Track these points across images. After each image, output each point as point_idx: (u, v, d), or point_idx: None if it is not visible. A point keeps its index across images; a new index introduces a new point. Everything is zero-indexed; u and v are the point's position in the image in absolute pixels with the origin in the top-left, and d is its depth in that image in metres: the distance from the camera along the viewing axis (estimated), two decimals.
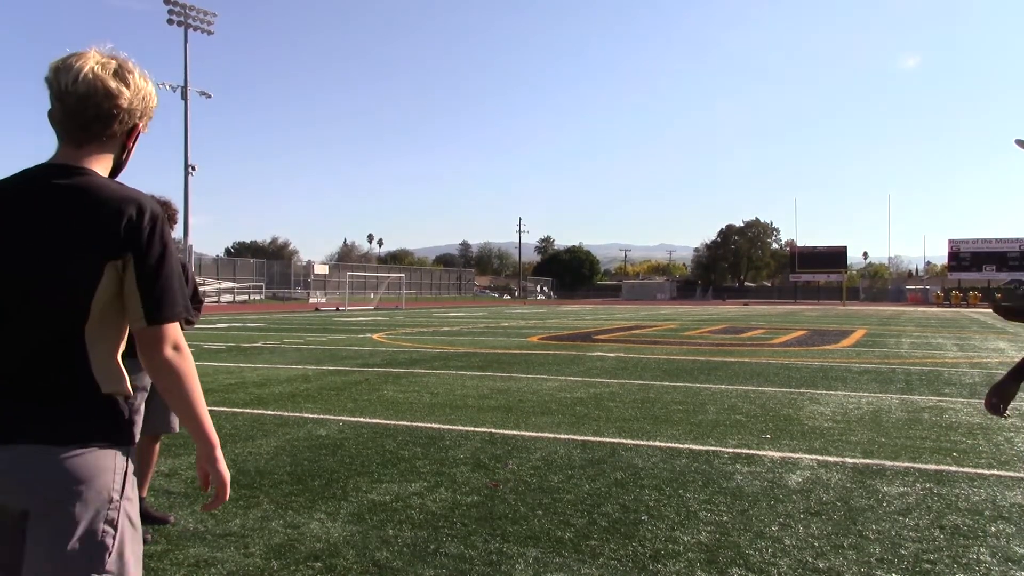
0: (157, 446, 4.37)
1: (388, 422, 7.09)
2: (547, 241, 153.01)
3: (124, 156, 1.86)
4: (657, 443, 6.23)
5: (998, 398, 2.91)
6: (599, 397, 8.79)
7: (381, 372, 11.36)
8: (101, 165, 1.79)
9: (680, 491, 4.81)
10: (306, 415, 7.26)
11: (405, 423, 7.06)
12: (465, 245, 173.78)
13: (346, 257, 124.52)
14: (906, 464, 5.58)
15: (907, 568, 3.57)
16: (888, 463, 5.60)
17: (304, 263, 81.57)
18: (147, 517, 4.15)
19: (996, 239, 71.16)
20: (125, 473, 1.72)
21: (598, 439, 6.41)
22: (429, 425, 6.98)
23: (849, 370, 11.95)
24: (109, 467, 1.69)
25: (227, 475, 1.84)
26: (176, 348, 1.74)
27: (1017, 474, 5.35)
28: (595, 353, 14.76)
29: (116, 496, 1.69)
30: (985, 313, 41.97)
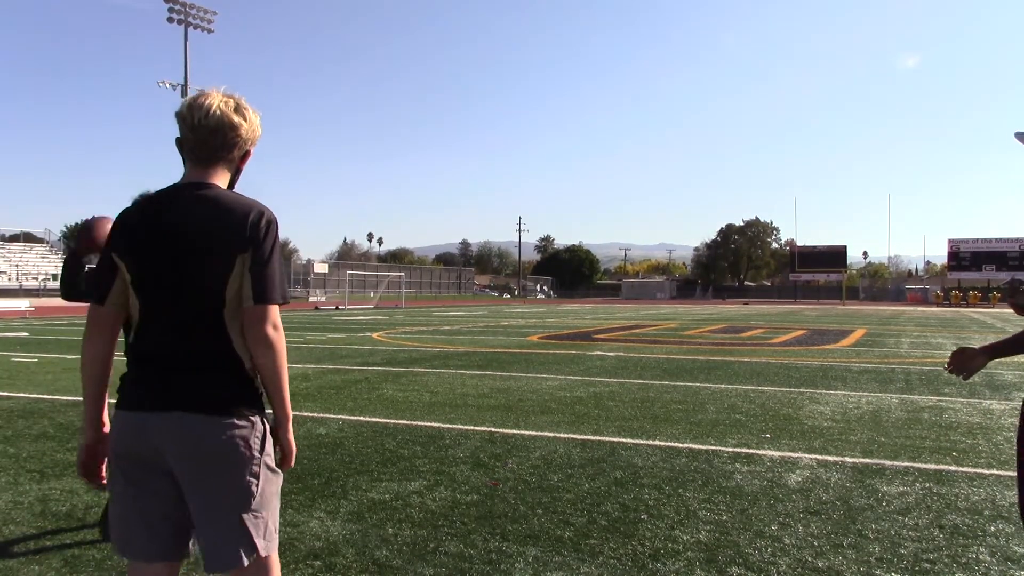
0: None
1: (388, 421, 7.09)
2: (547, 240, 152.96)
3: (236, 176, 2.27)
4: (657, 442, 6.23)
5: (965, 364, 2.99)
6: (599, 396, 8.79)
7: (381, 371, 11.36)
8: (222, 182, 2.20)
9: (680, 490, 4.81)
10: (306, 414, 7.25)
11: (405, 422, 7.06)
12: (465, 244, 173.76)
13: (346, 256, 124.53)
14: (906, 464, 5.58)
15: (906, 567, 3.57)
16: (888, 463, 5.60)
17: (304, 262, 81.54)
18: None
19: (996, 239, 71.14)
20: (264, 433, 2.12)
21: (598, 438, 6.41)
22: (429, 424, 6.98)
23: (849, 370, 11.96)
24: (251, 431, 2.08)
25: (295, 445, 2.24)
26: (275, 327, 2.10)
27: (1016, 474, 5.34)
28: (595, 352, 14.76)
29: (257, 453, 2.09)
30: (985, 313, 41.98)
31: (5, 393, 8.84)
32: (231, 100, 2.16)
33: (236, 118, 2.15)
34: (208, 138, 2.13)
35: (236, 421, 2.06)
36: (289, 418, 2.19)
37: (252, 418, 2.09)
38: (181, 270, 2.06)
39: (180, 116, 2.14)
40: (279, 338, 2.10)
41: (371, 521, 4.16)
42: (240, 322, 2.10)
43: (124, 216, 2.17)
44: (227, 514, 2.06)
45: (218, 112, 2.12)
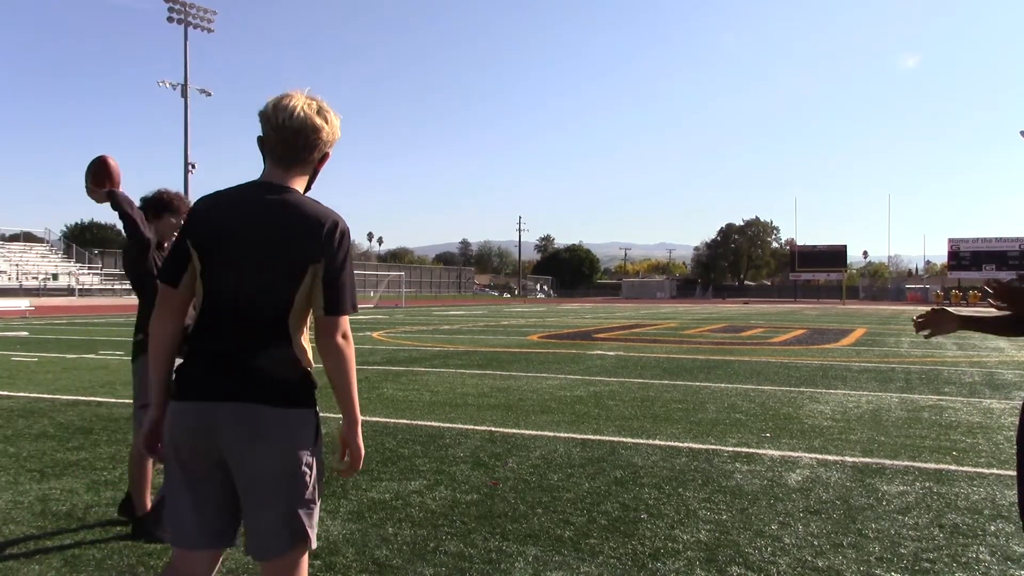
0: None
1: (388, 420, 7.09)
2: (547, 240, 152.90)
3: (314, 177, 2.31)
4: (657, 442, 6.23)
5: (940, 324, 2.90)
6: (599, 396, 8.79)
7: (381, 370, 11.35)
8: (300, 182, 2.25)
9: (680, 490, 4.81)
10: None
11: (405, 421, 7.05)
12: (465, 243, 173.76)
13: None
14: (906, 463, 5.58)
15: (906, 567, 3.57)
16: (888, 462, 5.60)
17: None
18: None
19: (996, 238, 71.12)
20: (316, 427, 2.20)
21: (598, 438, 6.41)
22: (429, 423, 6.97)
23: (849, 369, 11.96)
24: (306, 423, 2.17)
25: (363, 449, 2.27)
26: (344, 336, 2.18)
27: (1016, 473, 5.34)
28: (595, 352, 14.76)
29: (311, 445, 2.17)
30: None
31: (5, 393, 8.84)
32: (314, 103, 2.20)
33: (319, 120, 2.18)
34: (291, 139, 2.17)
35: (291, 413, 2.13)
36: (358, 422, 2.25)
37: (306, 411, 2.17)
38: (252, 272, 2.12)
39: (264, 115, 2.19)
40: (348, 347, 2.18)
41: (371, 520, 4.16)
42: (303, 325, 2.19)
43: (202, 206, 2.22)
44: (280, 503, 2.12)
45: (302, 114, 2.16)
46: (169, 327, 2.23)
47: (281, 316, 2.14)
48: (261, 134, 2.22)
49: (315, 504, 2.18)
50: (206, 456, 2.13)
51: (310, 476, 2.16)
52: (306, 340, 2.22)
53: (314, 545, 2.19)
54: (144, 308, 3.96)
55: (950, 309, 2.93)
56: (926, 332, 2.96)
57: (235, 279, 2.14)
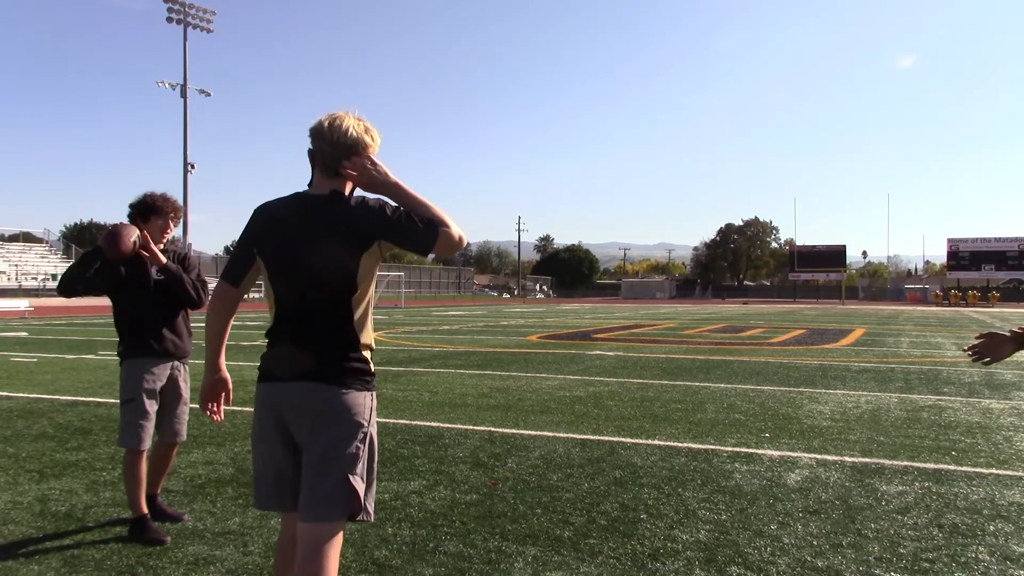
0: (174, 451, 4.37)
1: (387, 420, 7.08)
2: (546, 240, 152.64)
3: (353, 189, 2.54)
4: (656, 442, 6.23)
5: (990, 351, 2.73)
6: (598, 396, 8.79)
7: (380, 370, 11.32)
8: (346, 190, 2.50)
9: (679, 490, 4.81)
10: None
11: (404, 422, 7.06)
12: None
13: None
14: (905, 463, 5.58)
15: (906, 567, 3.57)
16: (887, 462, 5.60)
17: None
18: (162, 515, 4.15)
19: (995, 238, 71.13)
20: (372, 408, 2.45)
21: (597, 438, 6.41)
22: (428, 424, 6.98)
23: (848, 369, 11.96)
24: (363, 404, 2.41)
25: (387, 175, 2.47)
26: (452, 225, 2.43)
27: (1015, 473, 5.35)
28: (594, 352, 14.76)
29: (366, 424, 2.41)
30: (984, 312, 42.02)
31: (4, 393, 8.83)
32: (361, 123, 2.50)
33: (367, 138, 2.48)
34: (343, 153, 2.45)
35: (349, 391, 2.38)
36: (400, 183, 2.46)
37: (363, 391, 2.42)
38: (309, 266, 2.40)
39: (319, 132, 2.46)
40: (451, 230, 2.41)
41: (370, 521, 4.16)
42: (360, 306, 2.43)
43: (264, 216, 2.53)
44: (335, 471, 2.34)
45: (354, 133, 2.46)
46: (221, 320, 2.61)
47: (341, 300, 2.40)
48: (312, 148, 2.48)
49: (366, 478, 2.38)
50: (280, 430, 2.43)
51: (363, 451, 2.38)
52: (366, 328, 2.46)
53: (371, 518, 2.44)
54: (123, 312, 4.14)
55: (1000, 332, 2.74)
56: (985, 360, 2.77)
57: (296, 278, 2.43)
